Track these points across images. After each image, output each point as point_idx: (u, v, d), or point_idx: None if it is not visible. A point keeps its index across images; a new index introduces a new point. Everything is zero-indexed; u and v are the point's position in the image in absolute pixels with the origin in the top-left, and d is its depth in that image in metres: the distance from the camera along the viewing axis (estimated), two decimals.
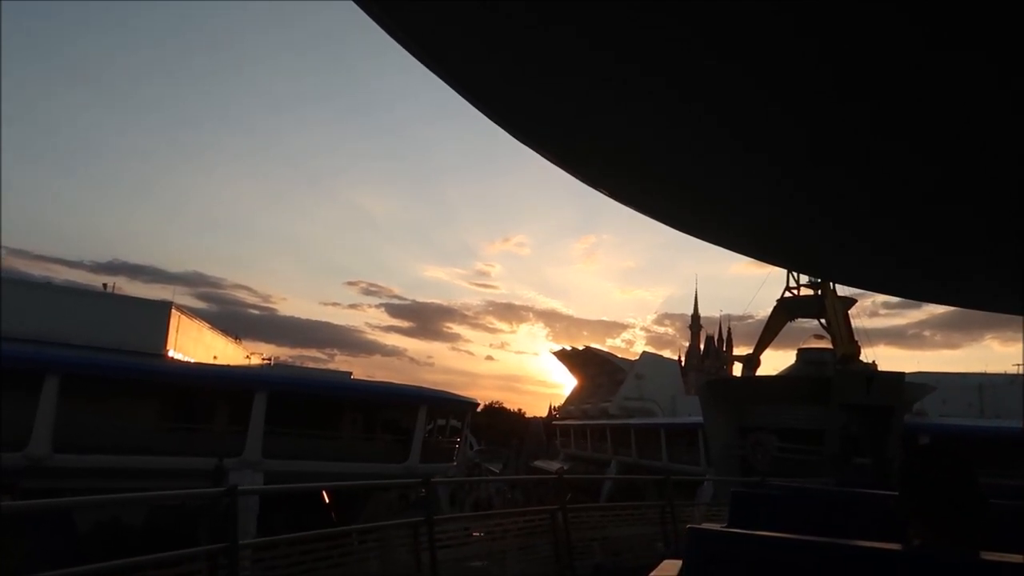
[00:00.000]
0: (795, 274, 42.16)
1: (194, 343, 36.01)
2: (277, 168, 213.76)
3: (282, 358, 67.37)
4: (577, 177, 3.38)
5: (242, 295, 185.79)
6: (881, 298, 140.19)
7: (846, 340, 38.32)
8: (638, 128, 2.74)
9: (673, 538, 10.37)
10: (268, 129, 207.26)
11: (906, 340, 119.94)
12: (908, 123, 2.41)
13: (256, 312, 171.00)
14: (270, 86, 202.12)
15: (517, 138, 2.84)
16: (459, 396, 35.32)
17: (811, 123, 2.51)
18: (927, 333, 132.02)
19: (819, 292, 41.15)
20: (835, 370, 33.75)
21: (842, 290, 42.15)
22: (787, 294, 42.31)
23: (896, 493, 1.98)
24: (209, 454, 23.65)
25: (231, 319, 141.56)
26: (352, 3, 1.98)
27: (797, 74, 2.16)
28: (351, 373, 38.61)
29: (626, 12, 1.84)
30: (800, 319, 43.90)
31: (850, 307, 41.87)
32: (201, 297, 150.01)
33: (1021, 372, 42.25)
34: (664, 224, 4.20)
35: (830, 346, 38.29)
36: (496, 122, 2.72)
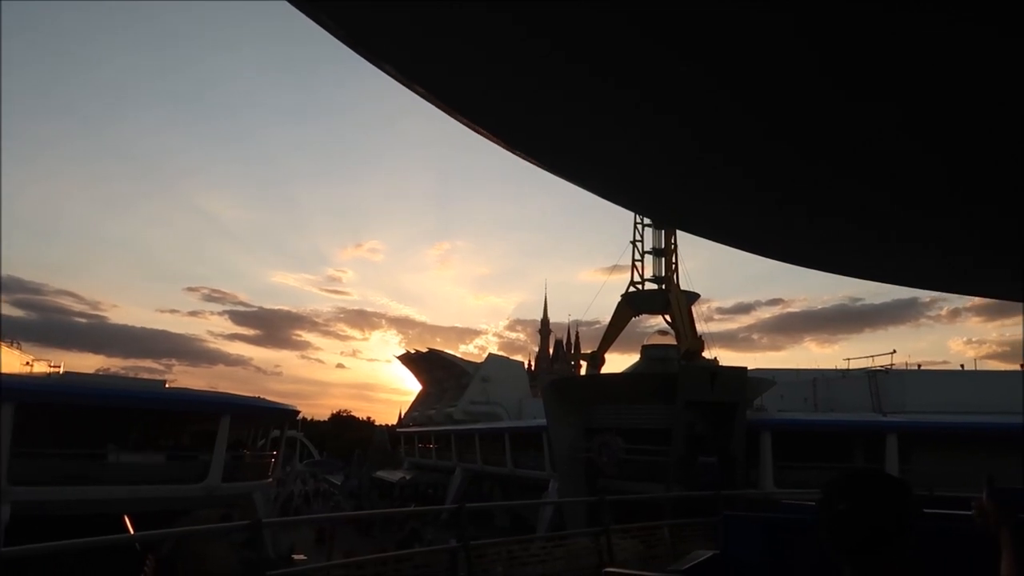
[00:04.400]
0: (639, 269, 41.25)
1: None
2: (113, 168, 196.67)
3: (112, 370, 59.74)
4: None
5: (66, 302, 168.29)
6: (717, 303, 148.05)
7: (690, 335, 37.55)
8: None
9: None
10: (103, 124, 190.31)
11: (738, 343, 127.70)
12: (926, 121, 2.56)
13: (83, 320, 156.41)
14: (108, 78, 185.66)
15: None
16: (273, 403, 31.09)
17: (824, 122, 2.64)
18: (755, 336, 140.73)
19: (664, 287, 40.30)
20: (679, 366, 32.62)
21: (685, 285, 41.62)
22: (631, 289, 41.19)
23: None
24: None
25: (52, 328, 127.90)
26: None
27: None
28: (164, 382, 33.30)
29: None
30: (645, 315, 43.07)
31: (694, 302, 41.32)
32: (18, 304, 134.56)
33: (850, 368, 43.58)
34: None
35: (674, 342, 37.36)
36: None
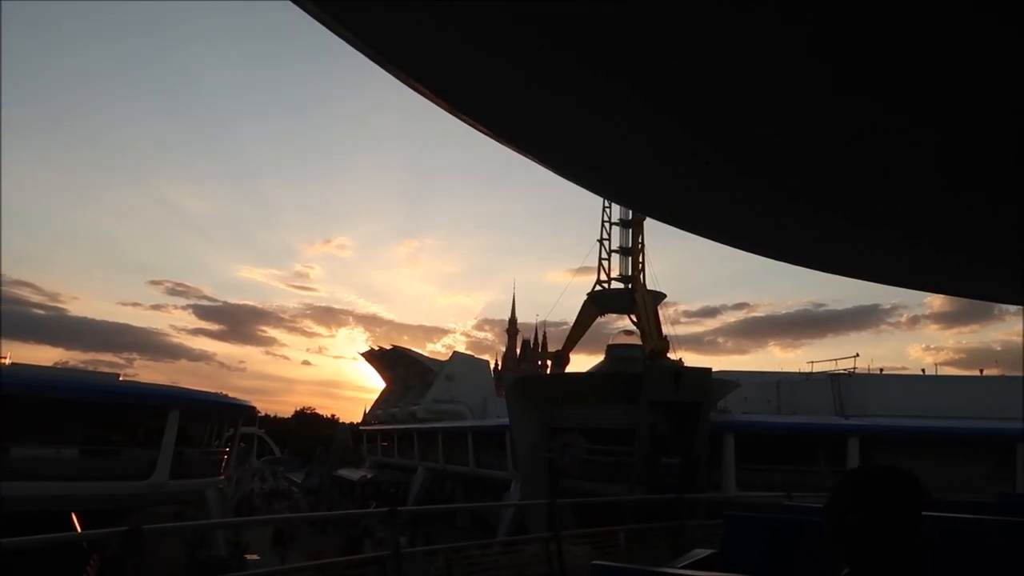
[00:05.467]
0: (606, 268, 40.84)
1: None
2: (76, 157, 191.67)
3: (71, 363, 57.91)
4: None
5: (23, 292, 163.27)
6: (683, 306, 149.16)
7: (655, 335, 37.24)
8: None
9: None
10: (67, 112, 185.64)
11: (703, 346, 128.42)
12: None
13: (41, 312, 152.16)
14: (74, 65, 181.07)
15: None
16: (226, 398, 30.02)
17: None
18: (721, 340, 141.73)
19: (630, 286, 39.94)
20: (644, 366, 32.23)
21: (651, 284, 41.35)
22: (598, 288, 40.75)
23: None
24: None
25: (8, 319, 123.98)
26: None
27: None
28: (119, 376, 31.99)
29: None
30: (611, 314, 42.69)
31: (660, 302, 41.04)
32: None
33: (813, 371, 43.68)
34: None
35: (639, 342, 36.98)
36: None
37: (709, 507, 15.47)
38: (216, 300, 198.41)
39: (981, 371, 46.17)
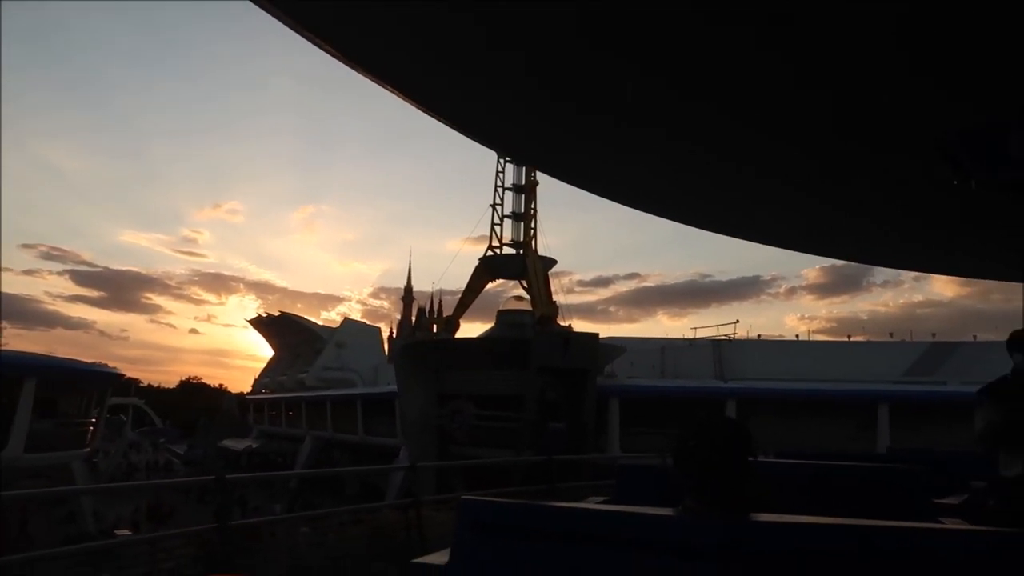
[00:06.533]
0: (498, 233, 40.66)
1: None
2: None
3: None
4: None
5: None
6: (577, 276, 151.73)
7: (545, 301, 37.44)
8: None
9: None
10: None
11: (596, 315, 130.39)
12: None
13: None
14: None
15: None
16: (93, 365, 28.09)
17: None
18: (612, 309, 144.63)
19: (521, 252, 39.93)
20: (534, 332, 32.33)
21: (544, 252, 41.48)
22: (489, 253, 40.55)
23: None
24: None
25: None
26: None
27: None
28: None
29: None
30: (503, 280, 42.65)
31: (551, 268, 41.24)
32: None
33: (696, 337, 45.21)
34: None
35: (530, 308, 37.08)
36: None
37: (594, 470, 15.58)
38: (96, 266, 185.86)
39: (849, 337, 49.17)
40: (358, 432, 45.35)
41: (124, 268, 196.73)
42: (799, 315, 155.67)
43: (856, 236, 6.60)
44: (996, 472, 4.12)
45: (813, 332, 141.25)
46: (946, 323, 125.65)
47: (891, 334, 48.03)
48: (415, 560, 2.56)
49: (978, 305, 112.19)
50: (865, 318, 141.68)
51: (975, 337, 42.42)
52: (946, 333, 63.75)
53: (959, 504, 4.15)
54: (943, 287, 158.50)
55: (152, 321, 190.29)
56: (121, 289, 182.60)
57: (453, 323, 41.36)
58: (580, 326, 42.03)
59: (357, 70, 3.75)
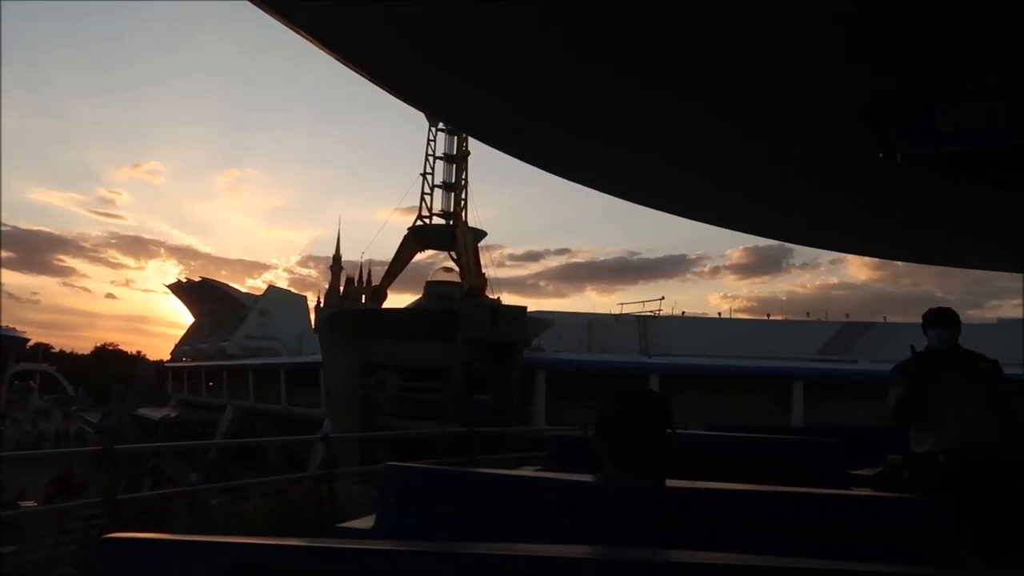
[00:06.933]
0: (428, 203, 40.09)
1: None
2: None
3: None
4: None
5: None
6: (508, 250, 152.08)
7: (474, 273, 37.22)
8: None
9: None
10: None
11: (526, 289, 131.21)
12: None
13: None
14: None
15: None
16: None
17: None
18: (542, 283, 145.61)
19: (451, 223, 39.53)
20: (461, 304, 32.14)
21: (475, 224, 41.17)
22: (419, 223, 40.00)
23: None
24: None
25: None
26: None
27: None
28: None
29: None
30: (432, 250, 42.19)
31: (480, 240, 41.00)
32: None
33: (623, 312, 45.93)
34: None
35: (458, 280, 36.84)
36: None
37: (520, 442, 15.56)
38: (5, 225, 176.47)
39: (768, 316, 50.76)
40: (281, 402, 44.52)
41: (35, 228, 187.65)
42: (722, 294, 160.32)
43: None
44: (908, 447, 4.36)
45: (735, 310, 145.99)
46: (859, 304, 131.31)
47: (808, 314, 49.73)
48: (340, 524, 2.66)
49: (888, 288, 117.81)
50: (784, 298, 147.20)
51: (885, 318, 44.47)
52: (859, 314, 66.74)
53: (873, 476, 4.42)
54: (857, 270, 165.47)
55: (65, 284, 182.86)
56: (32, 250, 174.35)
57: (380, 293, 40.74)
58: (509, 300, 41.96)
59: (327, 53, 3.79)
